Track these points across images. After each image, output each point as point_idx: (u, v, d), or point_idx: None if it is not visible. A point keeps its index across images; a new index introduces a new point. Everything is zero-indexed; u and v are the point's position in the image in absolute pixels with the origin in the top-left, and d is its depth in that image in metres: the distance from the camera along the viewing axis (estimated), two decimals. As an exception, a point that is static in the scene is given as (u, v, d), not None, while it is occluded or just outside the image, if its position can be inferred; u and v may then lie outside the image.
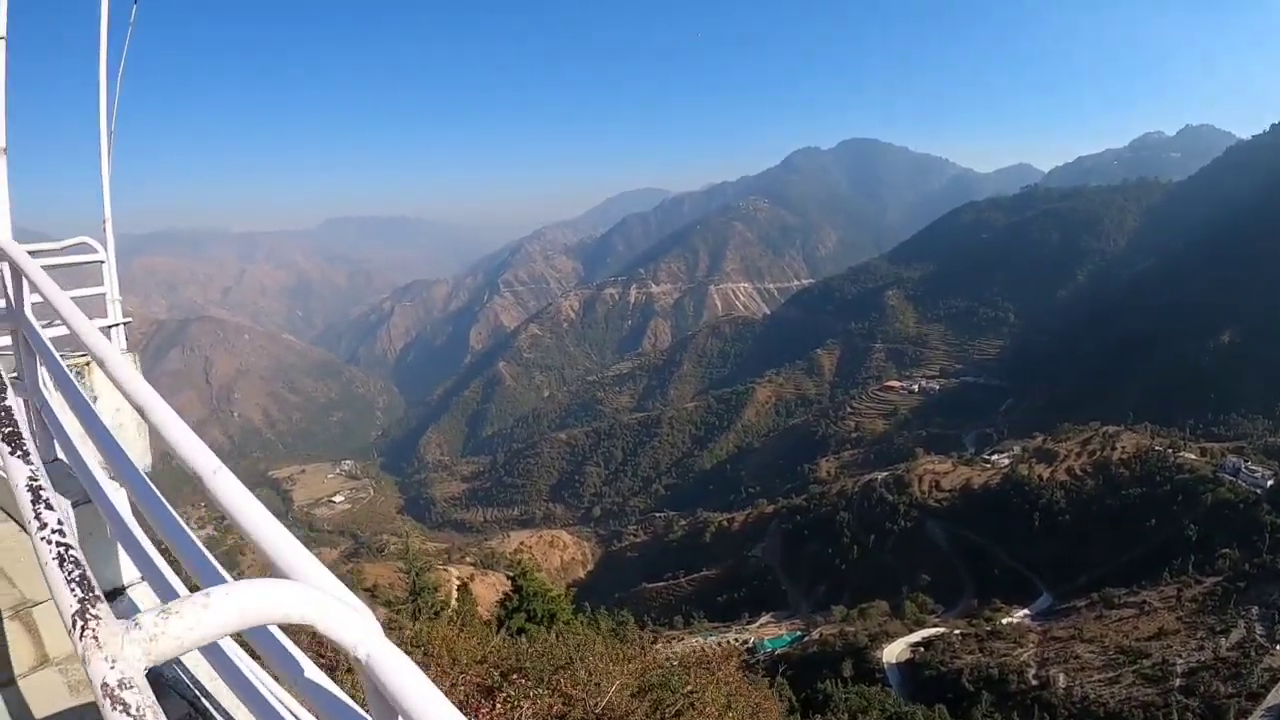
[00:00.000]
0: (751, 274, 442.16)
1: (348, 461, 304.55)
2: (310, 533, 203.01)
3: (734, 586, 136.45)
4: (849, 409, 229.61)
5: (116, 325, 9.98)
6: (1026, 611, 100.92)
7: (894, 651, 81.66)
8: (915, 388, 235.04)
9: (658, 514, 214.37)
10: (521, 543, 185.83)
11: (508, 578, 29.64)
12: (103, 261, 9.77)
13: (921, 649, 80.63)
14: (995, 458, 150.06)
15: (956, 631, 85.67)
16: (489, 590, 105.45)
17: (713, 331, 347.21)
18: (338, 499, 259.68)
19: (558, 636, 18.27)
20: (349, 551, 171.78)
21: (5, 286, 4.83)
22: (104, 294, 9.99)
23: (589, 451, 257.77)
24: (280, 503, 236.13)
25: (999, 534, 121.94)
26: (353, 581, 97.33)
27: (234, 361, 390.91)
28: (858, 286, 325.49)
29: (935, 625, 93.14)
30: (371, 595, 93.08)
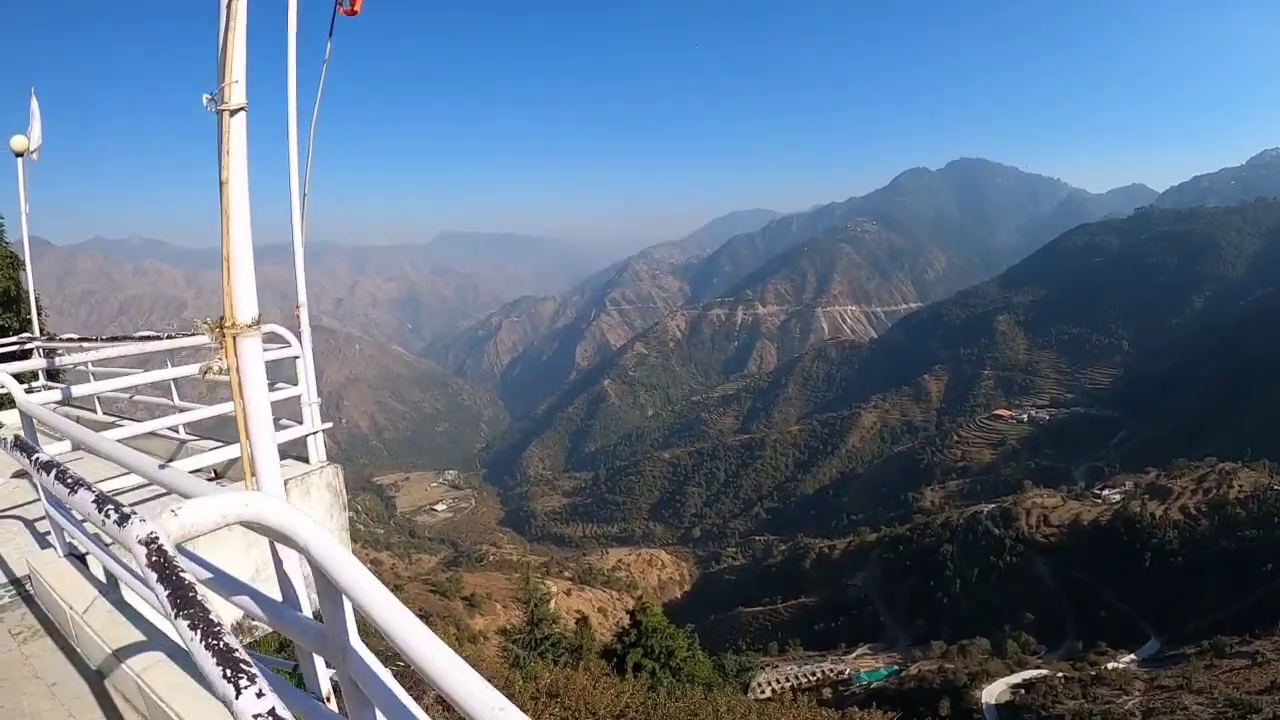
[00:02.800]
0: (859, 297, 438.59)
1: (451, 471, 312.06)
2: (411, 539, 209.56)
3: (832, 615, 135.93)
4: (956, 437, 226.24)
5: (315, 433, 8.92)
6: (1133, 657, 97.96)
7: (993, 692, 79.60)
8: (1025, 417, 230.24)
9: (757, 537, 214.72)
10: (620, 560, 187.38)
11: (630, 614, 30.94)
12: (297, 356, 8.38)
13: (1022, 691, 78.90)
14: (1106, 493, 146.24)
15: (1059, 674, 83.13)
16: (586, 605, 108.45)
17: (819, 354, 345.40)
18: (440, 507, 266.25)
19: (705, 691, 19.07)
20: (449, 559, 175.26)
21: (289, 575, 3.20)
22: (299, 395, 8.67)
23: (691, 472, 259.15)
24: (384, 508, 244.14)
25: (1107, 574, 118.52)
26: (451, 588, 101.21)
27: (344, 370, 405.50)
28: (966, 311, 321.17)
29: (1037, 666, 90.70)
30: (469, 603, 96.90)
